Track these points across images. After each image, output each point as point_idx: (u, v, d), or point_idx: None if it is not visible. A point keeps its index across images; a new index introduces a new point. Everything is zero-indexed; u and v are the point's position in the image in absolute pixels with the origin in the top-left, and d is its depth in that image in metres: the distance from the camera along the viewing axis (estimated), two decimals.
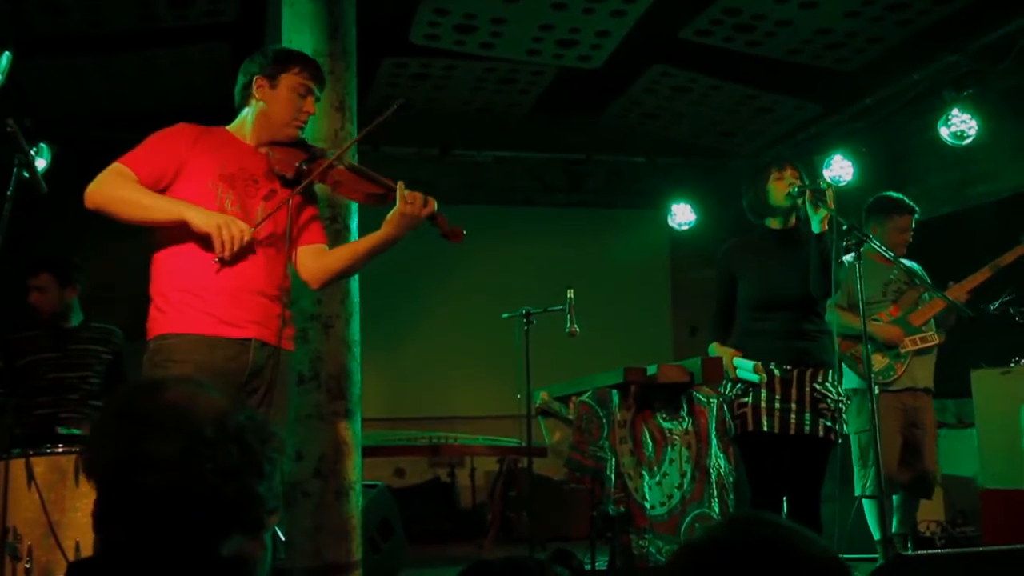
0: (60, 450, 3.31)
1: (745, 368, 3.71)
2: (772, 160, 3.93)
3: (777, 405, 3.67)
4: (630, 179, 8.54)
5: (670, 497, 3.79)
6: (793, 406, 3.66)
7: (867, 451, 4.41)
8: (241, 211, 2.75)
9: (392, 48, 6.41)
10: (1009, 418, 4.71)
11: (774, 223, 3.87)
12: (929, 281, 4.48)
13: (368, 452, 4.66)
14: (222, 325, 2.68)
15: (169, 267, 2.73)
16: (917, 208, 4.63)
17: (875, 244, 3.79)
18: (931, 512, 5.40)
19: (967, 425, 5.65)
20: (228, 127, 2.91)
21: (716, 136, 8.05)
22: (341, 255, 2.97)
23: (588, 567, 4.28)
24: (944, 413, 5.66)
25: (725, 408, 3.85)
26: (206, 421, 1.39)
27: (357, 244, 3.02)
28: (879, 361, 4.47)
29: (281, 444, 1.49)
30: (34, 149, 5.55)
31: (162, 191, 2.72)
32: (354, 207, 4.04)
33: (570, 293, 4.54)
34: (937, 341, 4.55)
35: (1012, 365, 4.81)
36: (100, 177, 2.68)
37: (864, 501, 4.51)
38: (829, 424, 3.67)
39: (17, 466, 3.30)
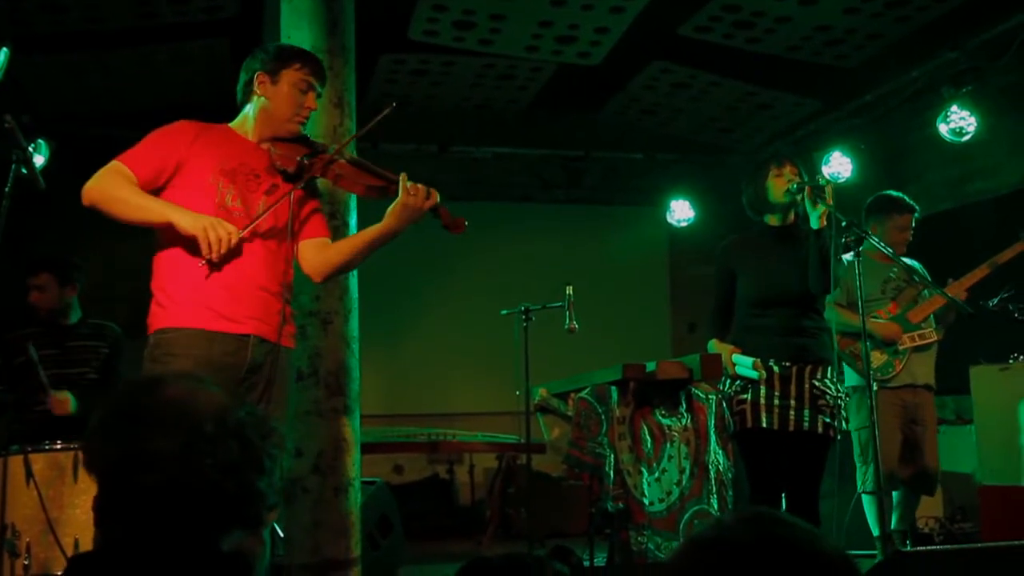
0: (59, 447, 3.31)
1: (744, 365, 3.71)
2: (771, 156, 3.92)
3: (776, 401, 3.67)
4: (629, 175, 8.53)
5: (669, 493, 3.80)
6: (792, 402, 3.66)
7: (867, 448, 4.41)
8: (242, 206, 2.76)
9: (391, 44, 6.40)
10: (1008, 414, 4.72)
11: (773, 219, 3.86)
12: (929, 279, 4.48)
13: (367, 448, 4.66)
14: (221, 320, 2.68)
15: (170, 263, 2.73)
16: (917, 207, 4.62)
17: (874, 241, 3.78)
18: (930, 508, 5.41)
19: (966, 421, 5.65)
20: (231, 124, 2.91)
21: (715, 132, 8.04)
22: (342, 248, 2.98)
23: (587, 563, 4.28)
24: (943, 409, 5.65)
25: (724, 404, 3.85)
26: (206, 417, 1.40)
27: (358, 236, 3.03)
28: (877, 358, 4.47)
29: (281, 440, 1.50)
30: (32, 145, 5.55)
31: (162, 187, 2.73)
32: (353, 203, 4.04)
33: (569, 289, 4.53)
34: (936, 338, 4.55)
35: (1011, 361, 4.82)
36: (98, 175, 2.68)
37: (863, 497, 4.51)
38: (828, 420, 3.67)
39: (16, 463, 3.30)
